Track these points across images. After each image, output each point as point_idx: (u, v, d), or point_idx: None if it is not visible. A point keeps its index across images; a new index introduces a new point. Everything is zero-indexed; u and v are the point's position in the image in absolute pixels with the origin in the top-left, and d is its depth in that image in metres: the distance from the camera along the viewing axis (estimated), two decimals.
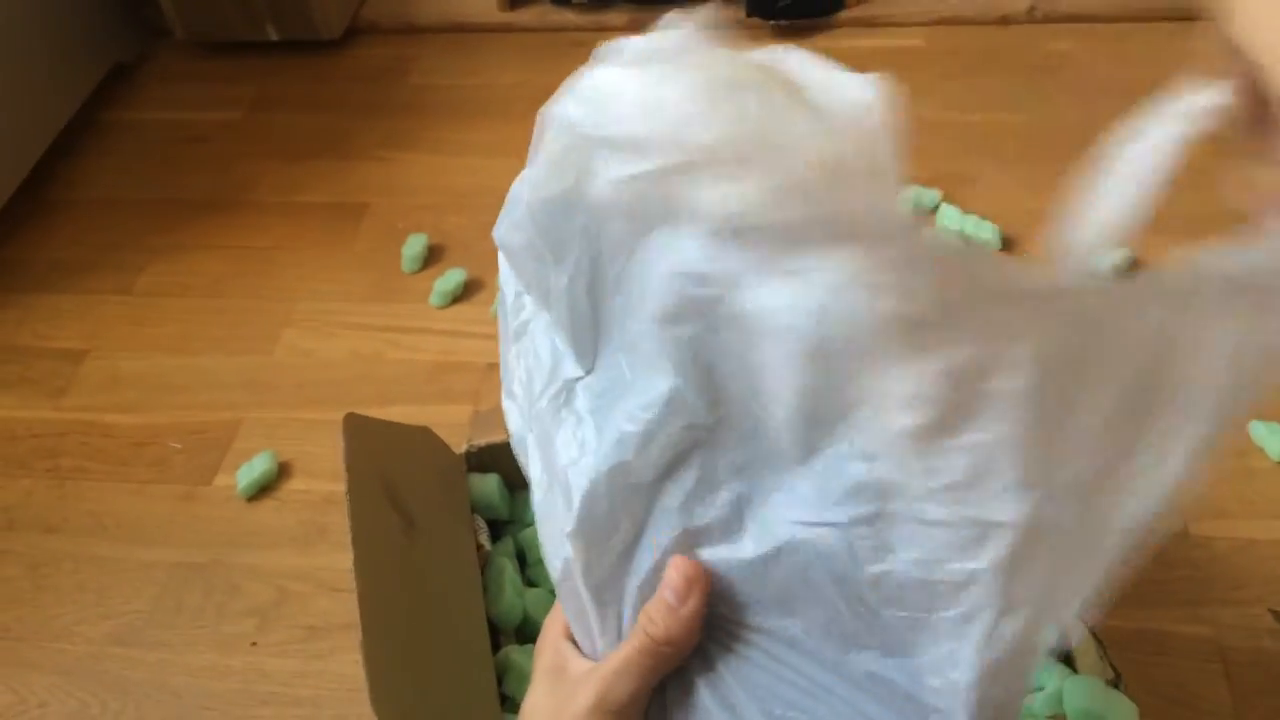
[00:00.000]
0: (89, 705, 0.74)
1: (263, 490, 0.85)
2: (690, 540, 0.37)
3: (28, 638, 0.78)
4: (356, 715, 0.72)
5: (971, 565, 0.32)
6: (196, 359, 0.97)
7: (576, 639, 0.43)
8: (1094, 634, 0.59)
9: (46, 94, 1.18)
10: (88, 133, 1.24)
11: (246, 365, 0.96)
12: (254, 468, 0.85)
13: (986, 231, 0.98)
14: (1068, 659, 0.61)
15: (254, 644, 0.76)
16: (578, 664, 0.41)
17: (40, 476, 0.89)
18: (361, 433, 0.56)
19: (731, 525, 0.37)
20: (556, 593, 0.41)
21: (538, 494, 0.41)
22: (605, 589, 0.39)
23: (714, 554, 0.37)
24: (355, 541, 0.51)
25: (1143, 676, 0.68)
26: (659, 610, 0.38)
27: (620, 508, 0.37)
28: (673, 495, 0.37)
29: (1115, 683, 0.58)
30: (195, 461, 0.88)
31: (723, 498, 0.36)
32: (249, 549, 0.82)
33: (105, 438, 0.91)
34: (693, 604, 0.37)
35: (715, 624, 0.38)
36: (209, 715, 0.73)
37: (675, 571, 0.38)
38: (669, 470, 0.37)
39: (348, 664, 0.75)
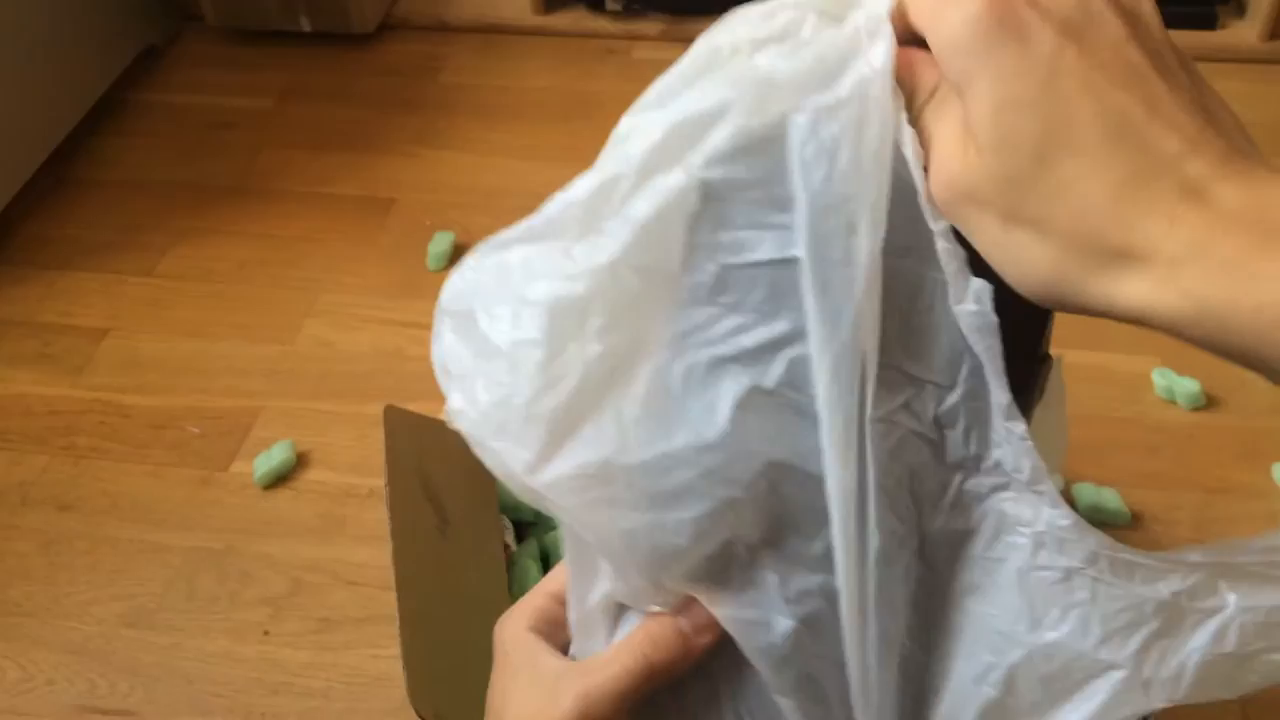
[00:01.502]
0: (97, 685, 0.74)
1: (280, 479, 0.85)
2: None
3: (38, 614, 0.78)
4: (366, 709, 0.72)
5: None
6: (217, 344, 0.97)
7: (568, 598, 0.40)
8: None
9: (76, 71, 1.17)
10: (116, 112, 1.23)
11: (267, 353, 0.96)
12: (272, 456, 0.85)
13: None
14: None
15: (266, 633, 0.76)
16: (550, 661, 0.40)
17: (56, 454, 0.88)
18: (401, 426, 0.56)
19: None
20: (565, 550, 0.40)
21: None
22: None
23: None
24: (394, 534, 0.51)
25: (1158, 714, 0.68)
26: (667, 635, 0.36)
27: None
28: None
29: None
30: (213, 447, 0.88)
31: None
32: (264, 537, 0.81)
33: (123, 418, 0.91)
34: (708, 640, 0.36)
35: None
36: (218, 702, 0.72)
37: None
38: None
39: (360, 658, 0.74)
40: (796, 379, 0.34)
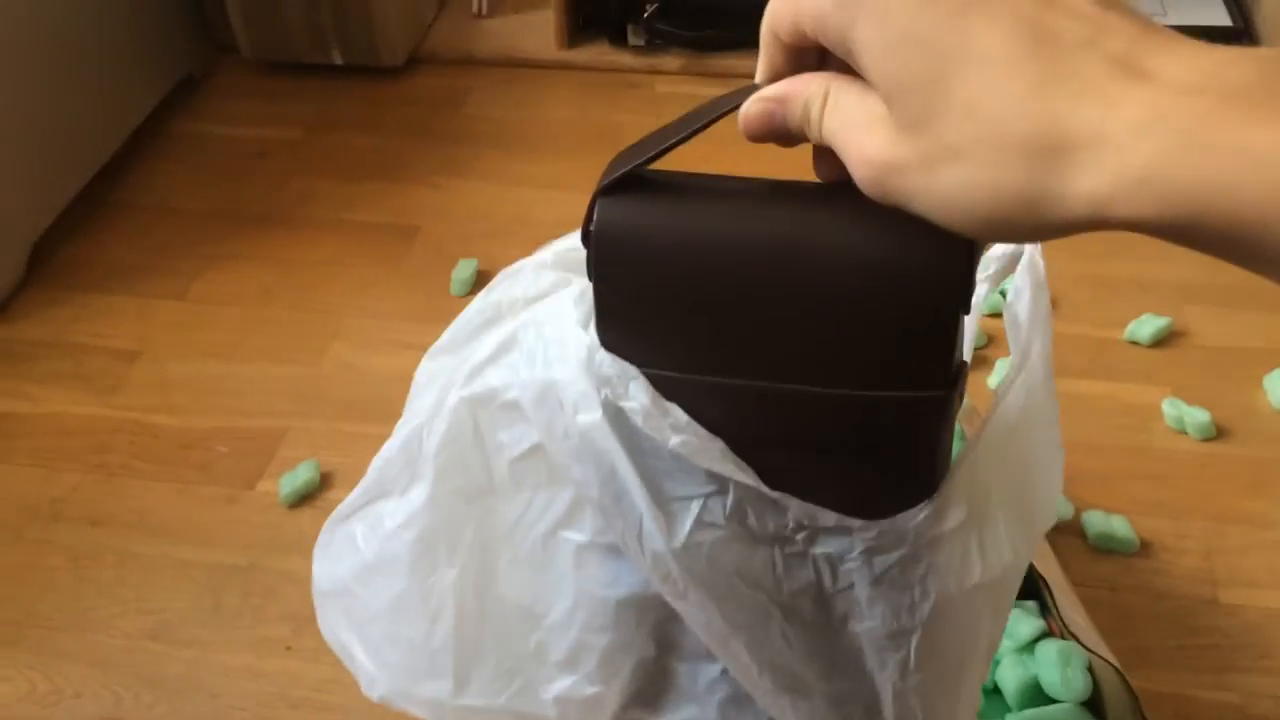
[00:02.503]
0: (122, 698, 0.76)
1: (304, 499, 0.87)
2: None
3: (66, 628, 0.80)
4: None
5: None
6: (245, 366, 0.99)
7: None
8: (1128, 686, 0.60)
9: (116, 101, 1.21)
10: (152, 141, 1.27)
11: (294, 375, 0.98)
12: (297, 476, 0.87)
13: None
14: (1098, 709, 0.61)
15: (288, 648, 0.78)
16: None
17: (88, 471, 0.91)
18: None
19: None
20: None
21: None
22: None
23: None
24: None
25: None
26: None
27: None
28: None
29: None
30: (239, 466, 0.90)
31: None
32: (288, 555, 0.83)
33: (153, 438, 0.93)
34: None
35: None
36: (240, 716, 0.74)
37: None
38: None
39: None
40: (600, 526, 0.39)
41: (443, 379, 0.43)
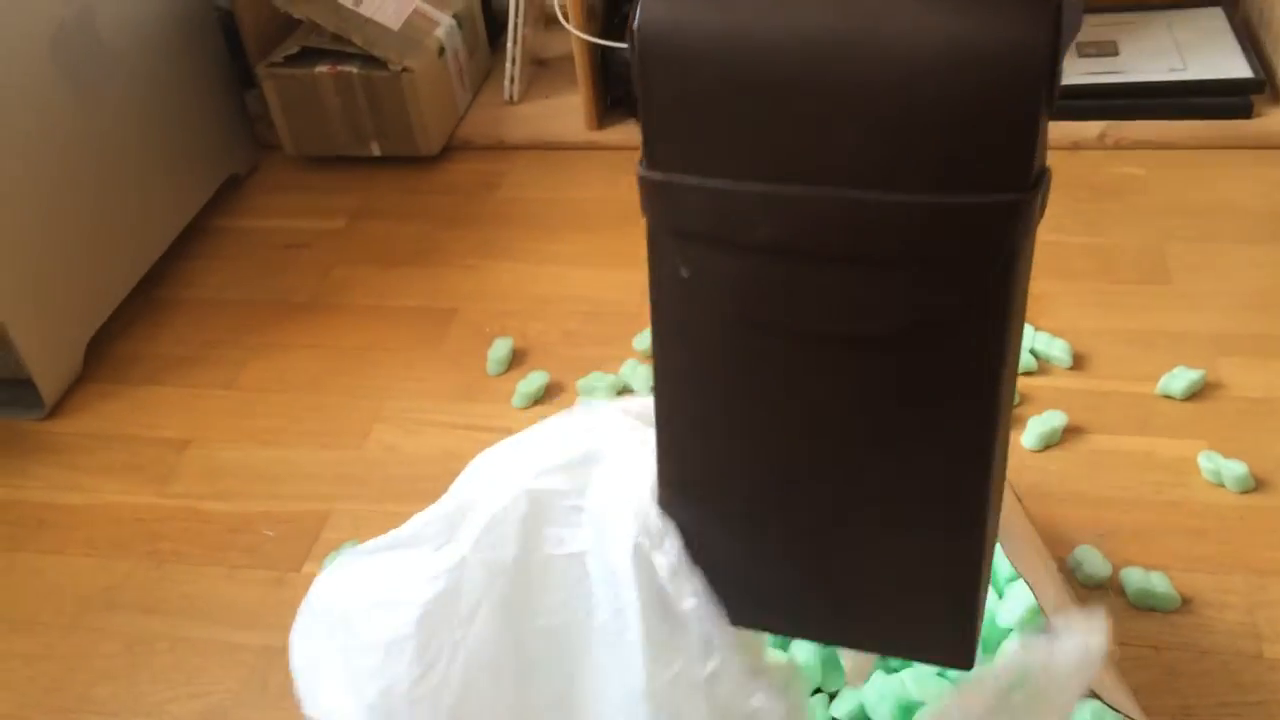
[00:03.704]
0: None
1: None
2: None
3: (121, 714, 0.82)
4: None
5: None
6: (291, 451, 1.02)
7: None
8: None
9: (166, 202, 1.27)
10: (200, 237, 1.32)
11: (338, 459, 1.01)
12: (339, 557, 0.89)
13: (1057, 349, 1.00)
14: None
15: None
16: None
17: (141, 559, 0.94)
18: None
19: None
20: None
21: None
22: None
23: None
24: None
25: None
26: None
27: None
28: None
29: None
30: (286, 549, 0.93)
31: None
32: None
33: (203, 524, 0.96)
34: None
35: None
36: None
37: None
38: None
39: None
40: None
41: (504, 468, 0.46)
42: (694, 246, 0.36)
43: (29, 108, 1.06)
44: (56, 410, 1.10)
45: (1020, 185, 0.32)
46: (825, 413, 0.37)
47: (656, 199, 0.37)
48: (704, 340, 0.38)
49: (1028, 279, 0.36)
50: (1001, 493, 0.42)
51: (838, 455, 0.38)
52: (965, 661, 0.40)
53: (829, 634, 0.42)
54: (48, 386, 1.09)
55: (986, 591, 0.39)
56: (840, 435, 0.37)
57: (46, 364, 1.09)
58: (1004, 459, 0.40)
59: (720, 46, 0.33)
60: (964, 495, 0.37)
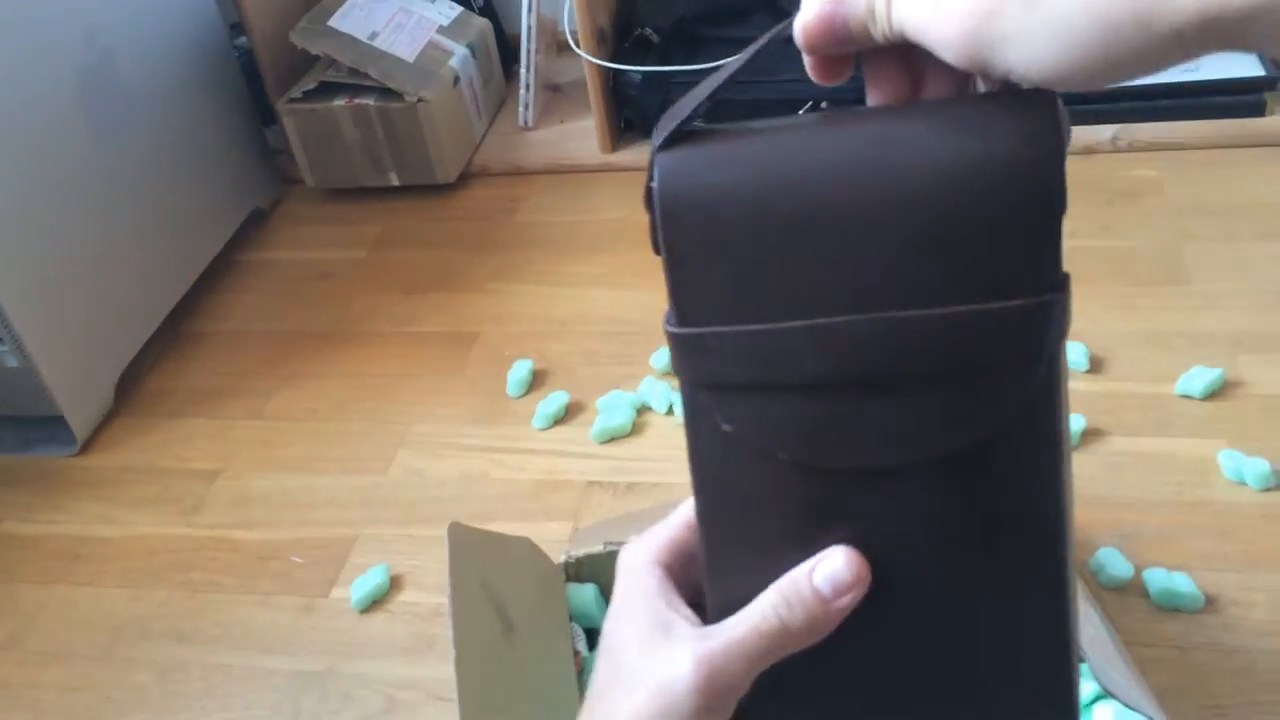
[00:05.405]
0: None
1: (375, 603, 0.90)
2: None
3: None
4: None
5: None
6: (318, 478, 1.04)
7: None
8: None
9: (192, 238, 1.30)
10: (225, 271, 1.35)
11: (364, 484, 1.02)
12: (367, 581, 0.91)
13: (1075, 352, 1.00)
14: None
15: None
16: (671, 613, 0.36)
17: (174, 589, 0.95)
18: (465, 540, 0.61)
19: None
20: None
21: None
22: None
23: None
24: (456, 641, 0.55)
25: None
26: (803, 595, 0.33)
27: None
28: None
29: None
30: (314, 575, 0.94)
31: None
32: (361, 658, 0.86)
33: (233, 552, 0.98)
34: (847, 601, 0.33)
35: None
36: None
37: (843, 561, 0.33)
38: None
39: None
40: None
41: None
42: (733, 397, 0.35)
43: (56, 152, 1.09)
44: (88, 446, 1.12)
45: (1054, 286, 0.34)
46: (894, 554, 0.36)
47: (691, 355, 0.35)
48: (754, 494, 0.36)
49: (1067, 390, 0.37)
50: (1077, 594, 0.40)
51: (915, 600, 0.36)
52: None
53: None
54: (79, 423, 1.11)
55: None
56: (913, 580, 0.36)
57: (77, 401, 1.11)
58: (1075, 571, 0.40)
59: (743, 189, 0.33)
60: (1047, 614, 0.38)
